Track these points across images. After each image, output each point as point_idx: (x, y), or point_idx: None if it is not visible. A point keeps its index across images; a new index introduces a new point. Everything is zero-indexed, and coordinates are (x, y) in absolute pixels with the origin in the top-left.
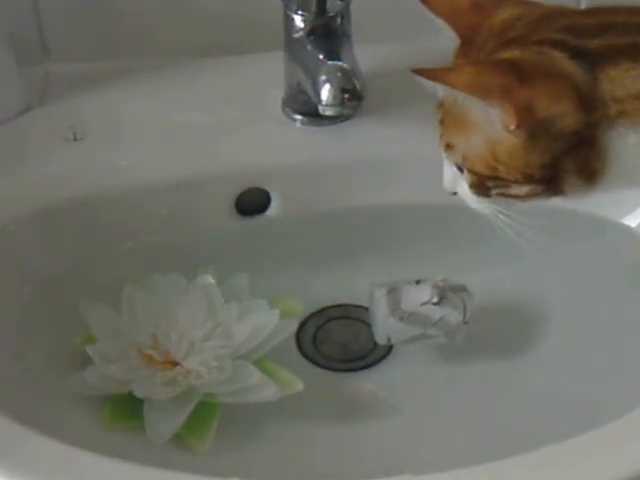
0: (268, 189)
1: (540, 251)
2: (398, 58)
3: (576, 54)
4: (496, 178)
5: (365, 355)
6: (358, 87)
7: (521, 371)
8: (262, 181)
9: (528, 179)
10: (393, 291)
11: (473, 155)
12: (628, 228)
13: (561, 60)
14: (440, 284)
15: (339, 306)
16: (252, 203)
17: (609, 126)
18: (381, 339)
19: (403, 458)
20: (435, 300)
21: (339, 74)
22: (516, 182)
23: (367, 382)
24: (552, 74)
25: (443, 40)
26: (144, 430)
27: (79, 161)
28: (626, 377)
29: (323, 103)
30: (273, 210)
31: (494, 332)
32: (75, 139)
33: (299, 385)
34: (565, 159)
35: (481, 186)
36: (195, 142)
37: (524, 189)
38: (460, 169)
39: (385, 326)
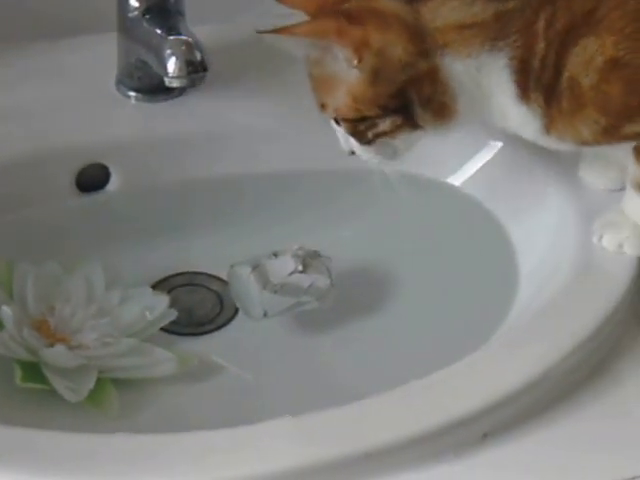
0: (107, 164)
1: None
2: (226, 36)
3: None
4: (363, 119)
5: (213, 318)
6: (202, 59)
7: (372, 325)
8: (101, 157)
9: (385, 110)
10: (257, 267)
11: (340, 105)
12: (453, 186)
13: (382, 1)
14: (299, 252)
15: (183, 274)
16: (92, 179)
17: (442, 56)
18: (256, 314)
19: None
20: (300, 268)
21: (183, 47)
22: (377, 117)
23: (217, 343)
24: (378, 12)
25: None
26: (53, 394)
27: None
28: (470, 319)
29: (170, 76)
30: (113, 185)
31: (349, 291)
32: None
33: (193, 359)
34: (409, 90)
35: (357, 132)
36: (31, 121)
37: (387, 123)
38: (338, 123)
39: (261, 301)
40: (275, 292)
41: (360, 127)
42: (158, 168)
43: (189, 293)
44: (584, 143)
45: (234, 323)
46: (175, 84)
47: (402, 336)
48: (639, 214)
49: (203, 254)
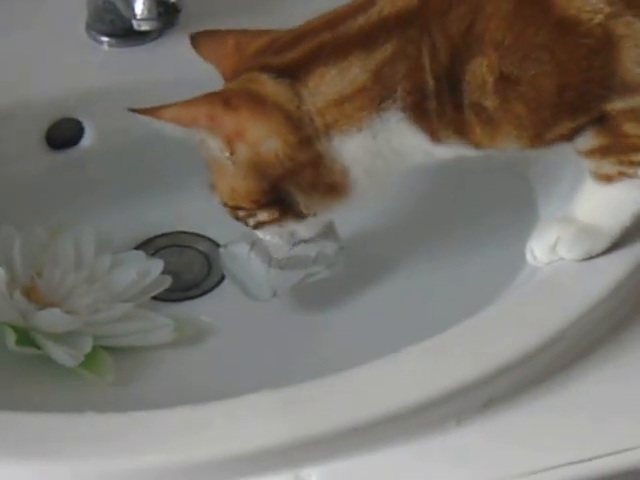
0: (79, 118)
1: None
2: None
3: (280, 73)
4: (239, 208)
5: (200, 282)
6: None
7: (378, 287)
8: (72, 110)
9: (258, 205)
10: (255, 243)
11: (222, 190)
12: None
13: (266, 82)
14: None
15: (167, 235)
16: (64, 135)
17: (327, 138)
18: (264, 296)
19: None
20: None
21: None
22: (252, 209)
23: (206, 309)
24: (257, 98)
25: None
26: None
27: None
28: (486, 273)
29: (138, 17)
30: (87, 141)
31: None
32: None
33: (191, 325)
34: (285, 183)
35: (239, 218)
36: None
37: (264, 215)
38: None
39: (268, 280)
40: (282, 268)
41: (240, 214)
42: (136, 120)
43: (174, 255)
44: (517, 150)
45: (223, 286)
46: (144, 27)
47: (412, 299)
48: (600, 208)
49: (189, 213)
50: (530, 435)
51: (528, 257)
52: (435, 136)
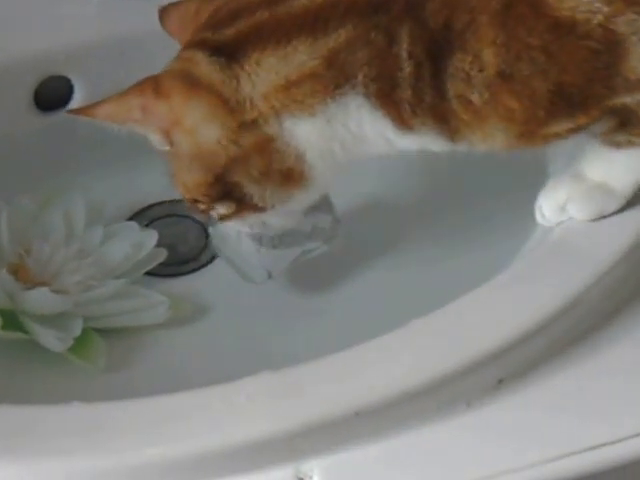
0: (69, 76)
1: None
2: None
3: (215, 51)
4: (197, 201)
5: (196, 255)
6: None
7: (380, 260)
8: (61, 68)
9: (210, 199)
10: None
11: (177, 183)
12: None
13: (200, 62)
14: None
15: (162, 204)
16: (53, 95)
17: (278, 121)
18: (259, 278)
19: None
20: None
21: None
22: (208, 203)
23: (202, 284)
24: (191, 80)
25: None
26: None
27: None
28: (478, 252)
29: None
30: (77, 100)
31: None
32: None
33: (188, 304)
34: (232, 173)
35: (201, 212)
36: None
37: (222, 209)
38: None
39: (261, 262)
40: (274, 247)
41: (200, 207)
42: (130, 77)
43: (170, 225)
44: (502, 149)
45: (221, 260)
46: None
47: (418, 270)
48: (609, 169)
49: None
50: (547, 416)
51: (537, 216)
52: (405, 123)
